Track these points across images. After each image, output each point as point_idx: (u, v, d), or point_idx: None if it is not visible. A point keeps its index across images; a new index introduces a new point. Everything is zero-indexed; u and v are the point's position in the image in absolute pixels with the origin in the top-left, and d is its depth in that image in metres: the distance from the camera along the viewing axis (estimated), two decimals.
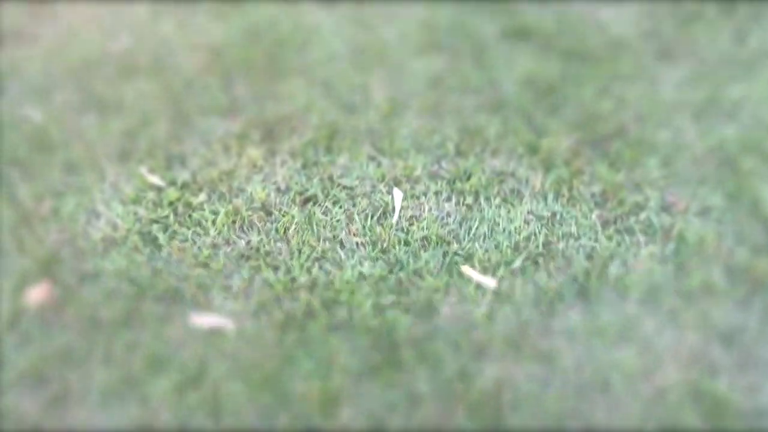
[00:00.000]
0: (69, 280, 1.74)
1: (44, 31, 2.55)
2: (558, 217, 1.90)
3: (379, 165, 2.05)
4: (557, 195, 1.95)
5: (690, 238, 1.84)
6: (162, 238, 1.83)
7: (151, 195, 1.95)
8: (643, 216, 1.90)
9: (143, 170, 2.02)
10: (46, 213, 1.91)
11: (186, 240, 1.84)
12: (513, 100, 2.25)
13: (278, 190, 1.97)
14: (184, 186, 1.98)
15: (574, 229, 1.87)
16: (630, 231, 1.86)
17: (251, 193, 1.95)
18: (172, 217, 1.89)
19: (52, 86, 2.31)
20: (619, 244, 1.83)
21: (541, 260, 1.79)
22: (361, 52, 2.46)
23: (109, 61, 2.41)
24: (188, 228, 1.87)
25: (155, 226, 1.86)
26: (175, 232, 1.86)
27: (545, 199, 1.94)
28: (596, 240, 1.84)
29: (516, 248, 1.82)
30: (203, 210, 1.91)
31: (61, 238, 1.84)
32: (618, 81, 2.32)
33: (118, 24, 2.58)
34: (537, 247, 1.82)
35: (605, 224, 1.88)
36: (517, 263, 1.78)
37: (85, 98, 2.26)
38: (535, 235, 1.85)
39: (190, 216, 1.89)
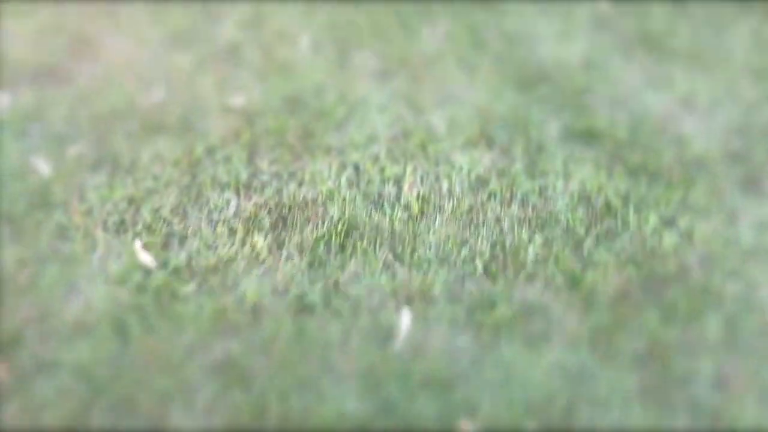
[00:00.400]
0: (26, 366, 1.61)
1: (80, 71, 2.49)
2: (589, 374, 1.64)
3: (393, 276, 1.85)
4: (593, 345, 1.70)
5: (743, 430, 1.55)
6: (136, 331, 1.68)
7: (138, 276, 1.81)
8: (691, 390, 1.62)
9: (137, 245, 1.89)
10: (24, 281, 1.79)
11: (160, 337, 1.68)
12: (562, 217, 2.01)
13: (275, 290, 1.80)
14: (176, 271, 1.83)
15: (605, 392, 1.61)
16: (672, 407, 1.59)
17: (244, 291, 1.78)
18: (153, 306, 1.74)
19: (71, 135, 2.23)
20: (655, 422, 1.56)
21: (557, 430, 1.54)
22: (404, 136, 2.28)
23: (136, 114, 2.31)
24: (167, 322, 1.71)
25: (132, 316, 1.72)
26: (151, 325, 1.70)
27: (577, 348, 1.69)
28: (629, 412, 1.57)
29: (530, 409, 1.57)
30: (188, 303, 1.75)
31: (31, 314, 1.72)
32: (689, 211, 2.04)
33: (157, 73, 2.50)
34: (556, 411, 1.57)
35: (644, 393, 1.61)
36: (529, 430, 1.54)
37: (101, 154, 2.16)
38: (556, 394, 1.60)
39: (172, 308, 1.74)
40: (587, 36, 2.72)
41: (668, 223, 2.00)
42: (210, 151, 2.19)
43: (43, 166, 2.10)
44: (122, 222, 1.96)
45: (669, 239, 1.95)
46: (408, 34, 2.72)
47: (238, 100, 2.39)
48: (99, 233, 1.92)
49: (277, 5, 2.85)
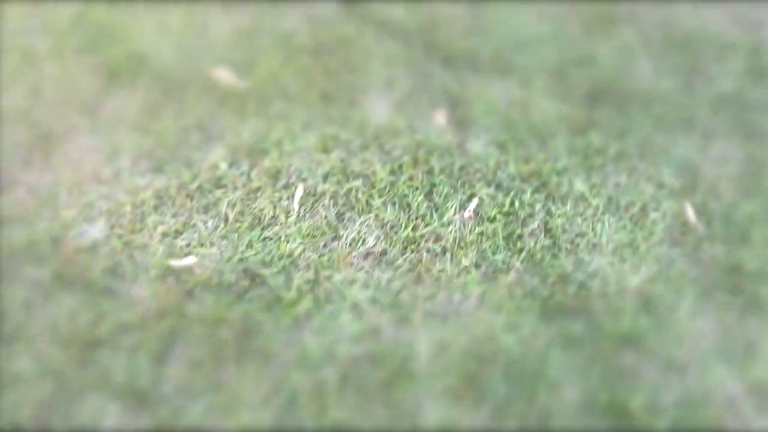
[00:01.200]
0: None
1: (23, 180, 2.18)
2: None
3: None
4: None
5: None
6: None
7: None
8: None
9: None
10: None
11: None
12: None
13: None
14: None
15: None
16: None
17: None
18: None
19: (8, 269, 1.90)
20: None
21: None
22: (372, 361, 1.82)
23: (56, 258, 1.96)
24: None
25: None
26: None
27: None
28: None
29: None
30: None
31: None
32: None
33: (108, 201, 2.15)
34: None
35: None
36: None
37: (22, 291, 1.82)
38: None
39: None
40: (658, 256, 2.19)
41: None
42: (117, 332, 1.81)
43: None
44: None
45: None
46: (430, 203, 2.28)
47: (186, 260, 2.01)
48: None
49: (295, 128, 2.47)
